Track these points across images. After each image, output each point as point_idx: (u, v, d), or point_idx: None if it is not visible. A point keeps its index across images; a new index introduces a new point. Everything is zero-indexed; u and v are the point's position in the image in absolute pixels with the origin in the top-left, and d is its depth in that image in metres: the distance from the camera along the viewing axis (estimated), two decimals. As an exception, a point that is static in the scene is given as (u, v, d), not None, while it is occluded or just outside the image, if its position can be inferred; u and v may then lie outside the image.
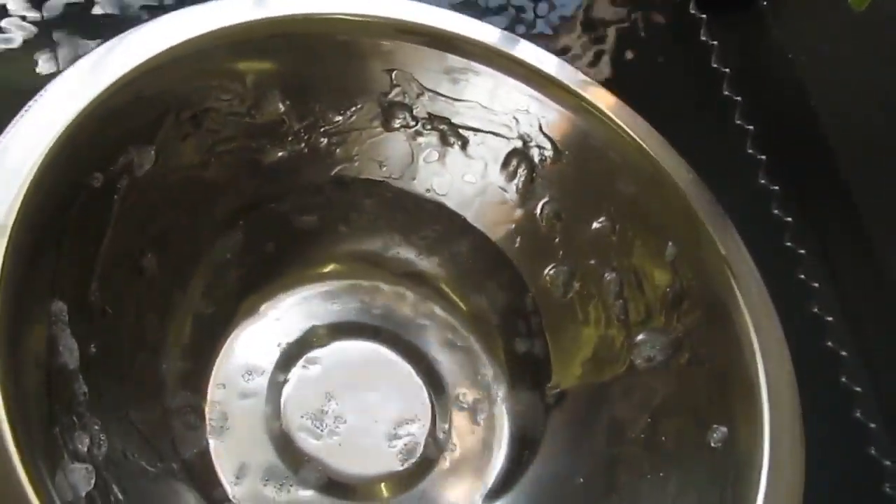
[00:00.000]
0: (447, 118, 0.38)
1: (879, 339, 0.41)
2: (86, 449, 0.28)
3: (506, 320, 0.40)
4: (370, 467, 0.36)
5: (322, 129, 0.37)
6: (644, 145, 0.35)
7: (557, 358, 0.39)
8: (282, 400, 0.37)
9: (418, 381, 0.38)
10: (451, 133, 0.38)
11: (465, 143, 0.39)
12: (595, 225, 0.38)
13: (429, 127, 0.38)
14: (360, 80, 0.36)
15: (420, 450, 0.37)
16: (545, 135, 0.37)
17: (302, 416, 0.36)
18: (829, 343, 0.40)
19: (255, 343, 0.38)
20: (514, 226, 0.40)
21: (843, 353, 0.40)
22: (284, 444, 0.36)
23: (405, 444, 0.37)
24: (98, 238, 0.31)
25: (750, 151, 0.43)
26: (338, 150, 0.38)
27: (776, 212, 0.42)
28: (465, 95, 0.37)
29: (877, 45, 0.40)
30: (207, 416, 0.36)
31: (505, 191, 0.39)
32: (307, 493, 0.35)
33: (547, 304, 0.39)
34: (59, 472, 0.26)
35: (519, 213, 0.39)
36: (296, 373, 0.37)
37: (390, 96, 0.37)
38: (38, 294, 0.28)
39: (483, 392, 0.39)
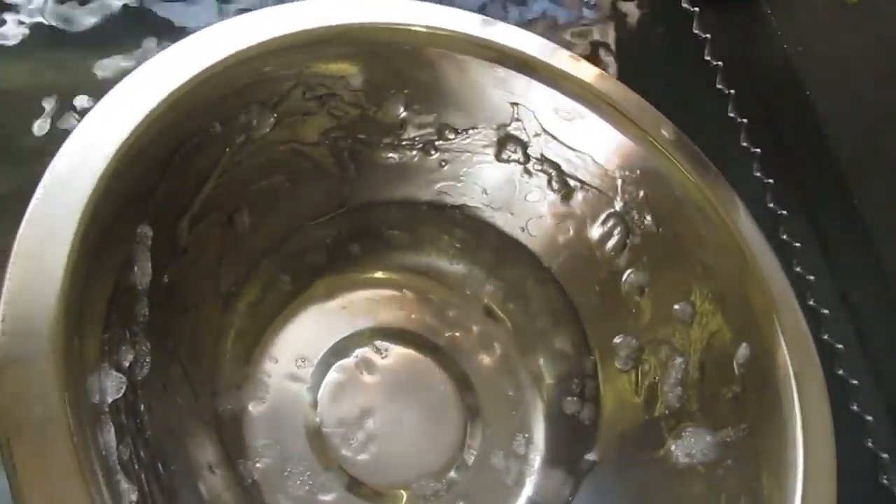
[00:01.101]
0: (558, 164, 0.38)
1: (876, 332, 0.40)
2: (128, 364, 0.29)
3: (561, 377, 0.40)
4: (393, 478, 0.37)
5: (436, 144, 0.39)
6: (744, 245, 0.35)
7: (603, 427, 0.38)
8: (321, 392, 0.37)
9: (458, 418, 0.38)
10: (558, 179, 0.39)
11: (569, 193, 0.39)
12: (676, 307, 0.37)
13: (539, 168, 0.39)
14: (484, 105, 0.37)
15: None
16: (648, 206, 0.37)
17: (338, 416, 0.37)
18: (826, 336, 0.40)
19: (315, 329, 0.39)
20: (595, 287, 0.39)
21: (840, 346, 0.40)
22: (315, 439, 0.36)
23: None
24: (201, 180, 0.33)
25: (744, 144, 0.43)
26: (446, 168, 0.39)
27: (771, 205, 0.42)
28: (579, 144, 0.38)
29: (871, 35, 0.39)
30: (252, 383, 0.37)
31: (595, 250, 0.39)
32: (327, 497, 0.36)
33: (606, 372, 0.39)
34: (95, 374, 0.27)
35: (603, 275, 0.39)
36: (344, 367, 0.38)
37: (509, 128, 0.38)
38: (132, 212, 0.30)
39: (517, 459, 0.39)
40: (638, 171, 0.37)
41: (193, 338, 0.34)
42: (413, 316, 0.40)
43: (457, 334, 0.40)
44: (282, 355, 0.38)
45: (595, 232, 0.39)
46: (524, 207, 0.40)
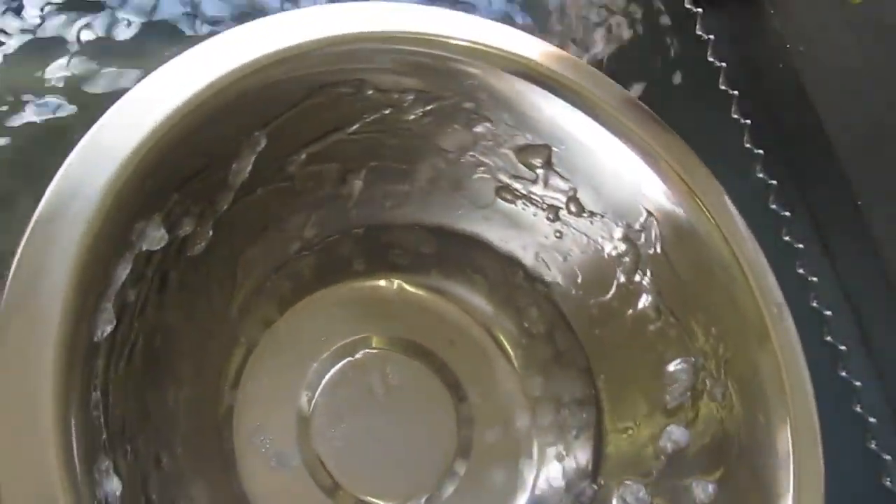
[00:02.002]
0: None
1: (880, 333, 0.40)
2: (132, 302, 0.30)
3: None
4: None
5: (560, 213, 0.39)
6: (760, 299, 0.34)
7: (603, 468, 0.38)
8: (320, 387, 0.37)
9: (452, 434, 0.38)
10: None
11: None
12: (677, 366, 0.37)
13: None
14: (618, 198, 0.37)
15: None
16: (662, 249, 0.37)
17: (330, 415, 0.37)
18: (829, 338, 0.40)
19: (320, 324, 0.39)
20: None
21: (843, 348, 0.40)
22: (304, 434, 0.37)
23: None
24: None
25: (747, 146, 0.43)
26: (558, 239, 0.40)
27: (774, 206, 0.42)
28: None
29: (875, 35, 0.39)
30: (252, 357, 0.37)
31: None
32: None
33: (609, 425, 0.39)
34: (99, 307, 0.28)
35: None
36: (345, 368, 0.38)
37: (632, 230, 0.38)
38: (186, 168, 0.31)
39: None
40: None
41: (210, 295, 0.35)
42: (418, 328, 0.40)
43: (469, 359, 0.40)
44: (286, 341, 0.38)
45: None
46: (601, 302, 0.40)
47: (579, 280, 0.40)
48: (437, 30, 0.34)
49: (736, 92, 0.43)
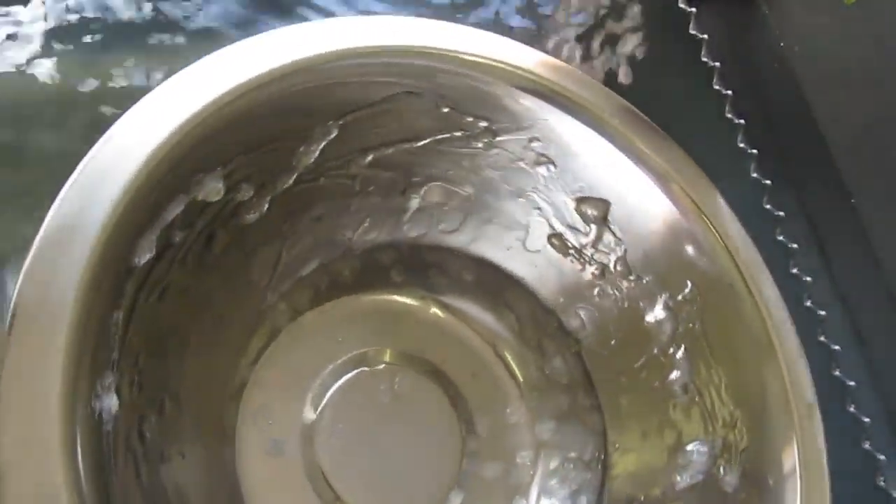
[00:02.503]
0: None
1: (875, 333, 0.39)
2: (176, 244, 0.31)
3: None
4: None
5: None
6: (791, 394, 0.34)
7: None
8: (332, 389, 0.38)
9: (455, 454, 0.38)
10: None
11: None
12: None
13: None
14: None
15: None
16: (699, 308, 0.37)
17: (336, 419, 0.37)
18: (823, 338, 0.39)
19: (346, 327, 0.39)
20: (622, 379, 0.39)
21: (837, 348, 0.39)
22: (307, 432, 0.37)
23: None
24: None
25: (741, 145, 0.42)
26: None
27: (768, 206, 0.41)
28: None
29: (869, 35, 0.38)
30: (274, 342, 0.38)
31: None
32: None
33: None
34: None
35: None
36: (360, 376, 0.38)
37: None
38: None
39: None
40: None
41: (250, 261, 0.36)
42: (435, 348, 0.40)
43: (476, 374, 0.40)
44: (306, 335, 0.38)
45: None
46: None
47: (612, 343, 0.40)
48: (526, 66, 0.36)
49: (730, 92, 0.43)
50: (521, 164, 0.38)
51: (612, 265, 0.39)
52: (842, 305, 0.40)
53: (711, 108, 0.43)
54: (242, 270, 0.36)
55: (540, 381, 0.40)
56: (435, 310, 0.40)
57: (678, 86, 0.43)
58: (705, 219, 0.35)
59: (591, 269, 0.39)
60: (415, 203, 0.39)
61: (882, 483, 0.38)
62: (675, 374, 0.37)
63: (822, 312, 0.40)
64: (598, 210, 0.38)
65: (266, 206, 0.35)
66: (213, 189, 0.31)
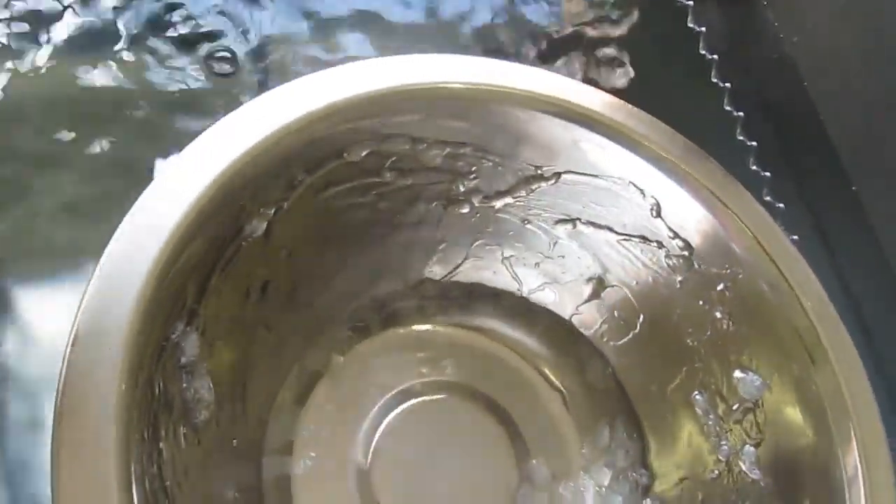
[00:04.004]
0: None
1: (877, 323, 0.39)
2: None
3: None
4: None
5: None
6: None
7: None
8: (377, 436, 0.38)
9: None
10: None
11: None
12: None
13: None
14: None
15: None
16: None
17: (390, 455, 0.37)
18: None
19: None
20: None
21: None
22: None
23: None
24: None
25: (740, 138, 0.42)
26: None
27: (768, 198, 0.42)
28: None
29: (868, 25, 0.39)
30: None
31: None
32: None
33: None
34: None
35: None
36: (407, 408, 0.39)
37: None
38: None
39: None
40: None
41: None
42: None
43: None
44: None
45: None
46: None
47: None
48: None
49: (728, 84, 0.43)
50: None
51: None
52: (845, 296, 0.40)
53: (710, 100, 0.43)
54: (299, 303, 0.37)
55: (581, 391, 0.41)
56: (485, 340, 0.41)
57: (676, 79, 0.44)
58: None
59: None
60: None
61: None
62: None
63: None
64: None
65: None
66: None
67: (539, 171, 0.38)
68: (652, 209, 0.38)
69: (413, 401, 0.39)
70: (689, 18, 0.45)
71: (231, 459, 0.33)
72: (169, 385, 0.30)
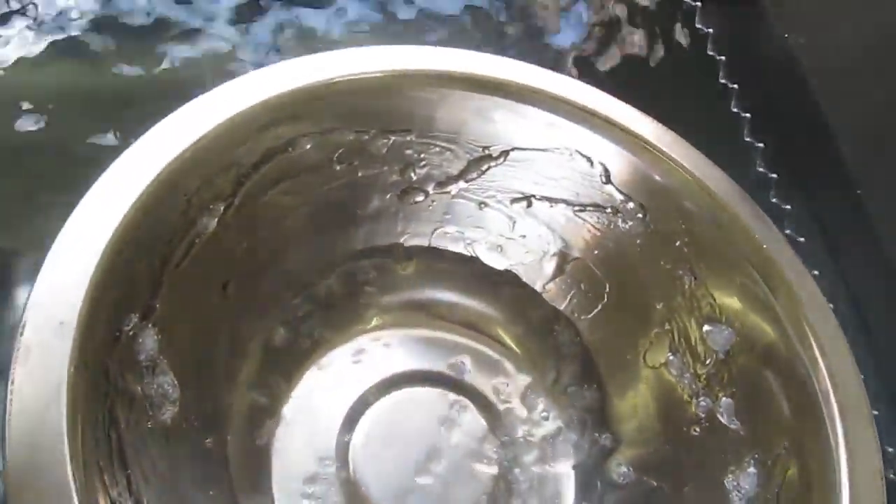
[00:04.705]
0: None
1: (882, 326, 0.38)
2: None
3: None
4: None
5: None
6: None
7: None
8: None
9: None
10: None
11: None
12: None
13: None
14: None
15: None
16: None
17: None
18: None
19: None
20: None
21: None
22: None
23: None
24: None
25: (748, 139, 0.42)
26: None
27: (775, 199, 0.41)
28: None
29: (874, 25, 0.39)
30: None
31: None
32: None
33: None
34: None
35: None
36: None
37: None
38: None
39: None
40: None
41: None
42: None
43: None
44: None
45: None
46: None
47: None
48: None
49: (736, 85, 0.43)
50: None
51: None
52: (849, 298, 0.40)
53: (717, 102, 0.43)
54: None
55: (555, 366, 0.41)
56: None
57: (683, 81, 0.44)
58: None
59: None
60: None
61: (892, 476, 0.37)
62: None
63: (831, 305, 0.38)
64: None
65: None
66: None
67: (487, 151, 0.39)
68: (601, 176, 0.38)
69: (393, 393, 0.39)
70: (696, 19, 0.45)
71: (202, 456, 0.33)
72: (129, 378, 0.31)
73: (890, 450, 0.37)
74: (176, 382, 0.33)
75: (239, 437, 0.34)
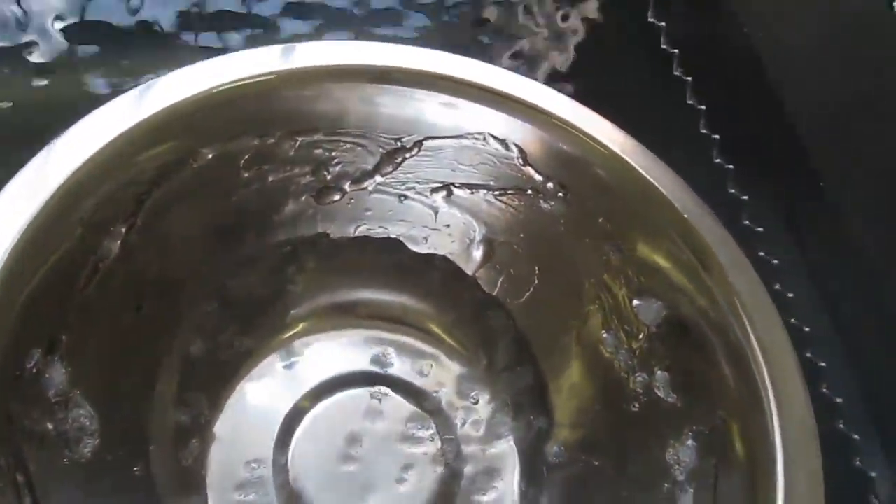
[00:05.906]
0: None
1: (846, 312, 0.38)
2: None
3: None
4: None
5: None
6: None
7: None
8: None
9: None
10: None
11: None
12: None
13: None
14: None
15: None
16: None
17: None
18: (794, 320, 0.37)
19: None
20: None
21: (807, 329, 0.39)
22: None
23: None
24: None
25: (703, 131, 0.42)
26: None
27: (732, 190, 0.41)
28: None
29: (834, 17, 0.38)
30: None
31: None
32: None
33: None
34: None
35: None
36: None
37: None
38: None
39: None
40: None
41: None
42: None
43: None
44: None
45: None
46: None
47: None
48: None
49: (689, 78, 0.42)
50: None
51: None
52: (812, 285, 0.40)
53: (671, 94, 0.42)
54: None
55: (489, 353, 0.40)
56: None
57: (637, 74, 0.43)
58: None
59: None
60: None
61: (875, 501, 0.37)
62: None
63: (790, 295, 0.39)
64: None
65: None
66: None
67: (400, 143, 0.38)
68: (517, 158, 0.37)
69: (325, 400, 0.38)
70: (649, 13, 0.44)
71: (128, 488, 0.32)
72: (36, 417, 0.30)
73: (873, 474, 0.37)
74: (94, 413, 0.32)
75: (165, 459, 0.33)
